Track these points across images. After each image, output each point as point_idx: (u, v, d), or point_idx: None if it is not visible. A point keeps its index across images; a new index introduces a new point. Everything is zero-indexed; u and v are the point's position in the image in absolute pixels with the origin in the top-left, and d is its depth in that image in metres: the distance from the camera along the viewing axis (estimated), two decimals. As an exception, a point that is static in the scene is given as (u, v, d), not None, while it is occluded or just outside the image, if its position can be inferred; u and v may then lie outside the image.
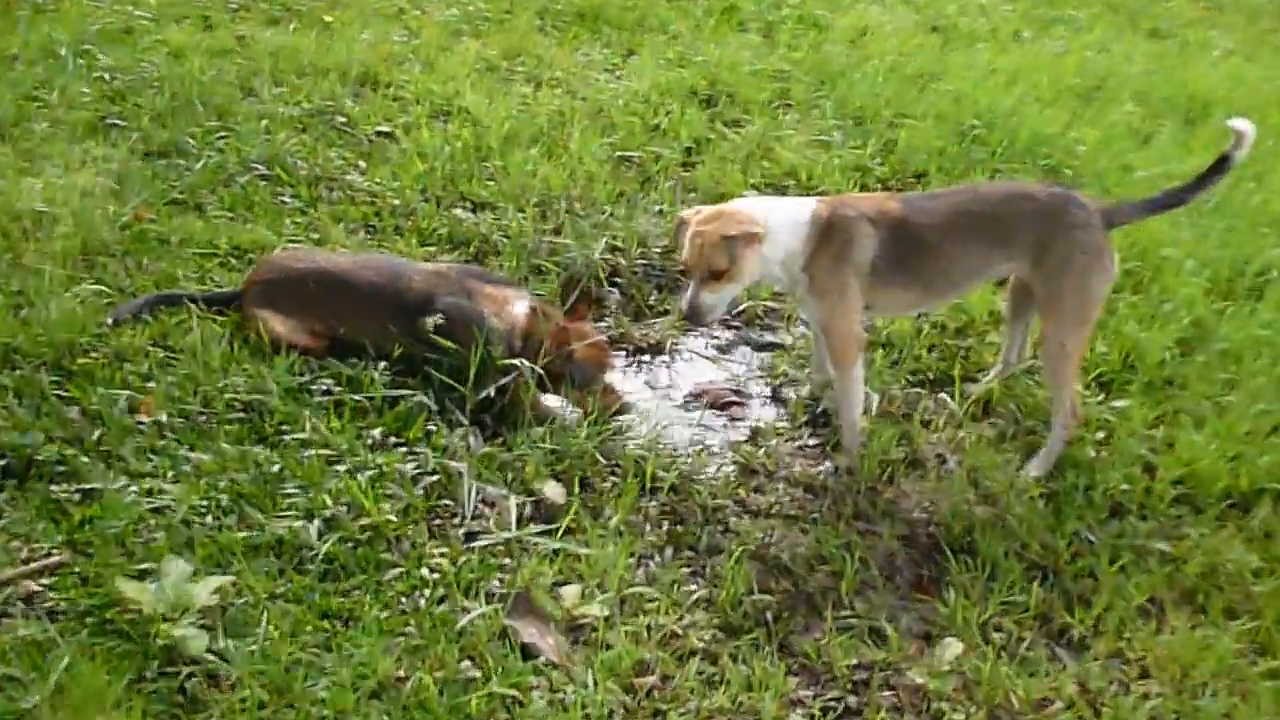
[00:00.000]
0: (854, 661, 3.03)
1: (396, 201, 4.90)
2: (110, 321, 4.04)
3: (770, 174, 5.20)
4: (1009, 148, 5.35)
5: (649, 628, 3.08)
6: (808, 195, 4.65)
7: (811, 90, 5.90)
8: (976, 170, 5.19)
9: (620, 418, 3.84)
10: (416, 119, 5.49)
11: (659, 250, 4.63)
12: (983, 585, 3.25)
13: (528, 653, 2.95)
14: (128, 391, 3.71)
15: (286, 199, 4.94)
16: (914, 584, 3.36)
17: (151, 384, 3.73)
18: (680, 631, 3.08)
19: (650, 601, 3.16)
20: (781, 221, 3.50)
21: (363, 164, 5.21)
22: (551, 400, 3.86)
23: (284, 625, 2.98)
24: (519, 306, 3.86)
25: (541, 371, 3.68)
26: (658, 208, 4.92)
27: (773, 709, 2.84)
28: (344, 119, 5.58)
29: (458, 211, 4.85)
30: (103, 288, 4.26)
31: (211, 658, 2.85)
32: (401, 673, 2.87)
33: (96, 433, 3.55)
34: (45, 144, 5.22)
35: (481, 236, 4.68)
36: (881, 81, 5.96)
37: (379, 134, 5.49)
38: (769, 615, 3.16)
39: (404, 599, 3.10)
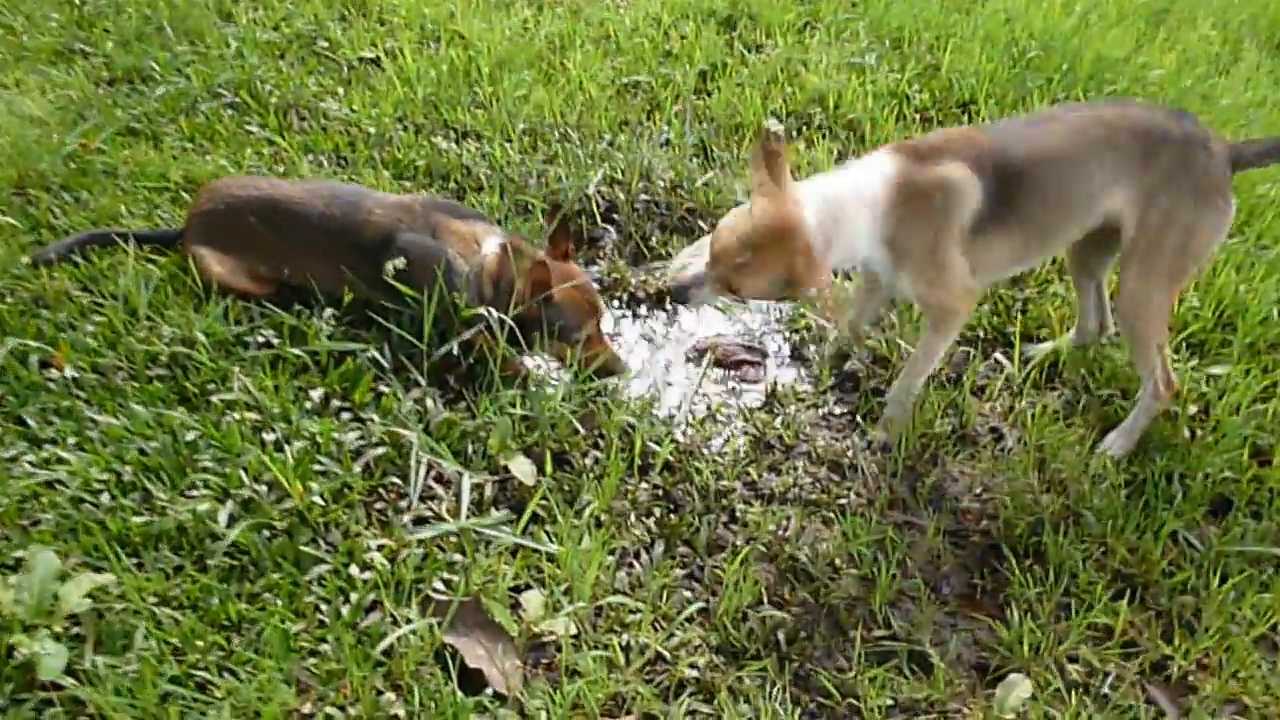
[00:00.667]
0: (889, 701, 2.25)
1: (372, 129, 4.08)
2: (31, 262, 3.30)
3: (795, 100, 4.31)
4: (1069, 73, 4.43)
5: (628, 648, 2.31)
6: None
7: (842, 11, 4.98)
8: (1033, 99, 4.28)
9: (609, 377, 3.03)
10: (403, 43, 4.65)
11: (664, 184, 3.78)
12: (1054, 602, 2.44)
13: (470, 682, 2.19)
14: (38, 343, 2.97)
15: (253, 128, 4.14)
16: (965, 597, 2.56)
17: (71, 335, 2.99)
18: (668, 655, 2.31)
19: (631, 614, 2.39)
20: (843, 211, 2.59)
21: (341, 91, 4.39)
22: (528, 360, 3.07)
23: (171, 638, 2.23)
24: (489, 244, 3.06)
25: (512, 323, 2.88)
26: (665, 136, 4.05)
27: (782, 768, 2.07)
28: (326, 43, 4.75)
29: (439, 140, 4.02)
30: (30, 225, 3.51)
31: (72, 683, 2.11)
32: (307, 707, 2.12)
33: (-3, 391, 2.82)
34: (3, 70, 4.46)
35: (463, 168, 3.86)
36: (921, 1, 5.03)
37: (362, 60, 4.66)
38: (780, 635, 2.38)
39: (324, 605, 2.34)
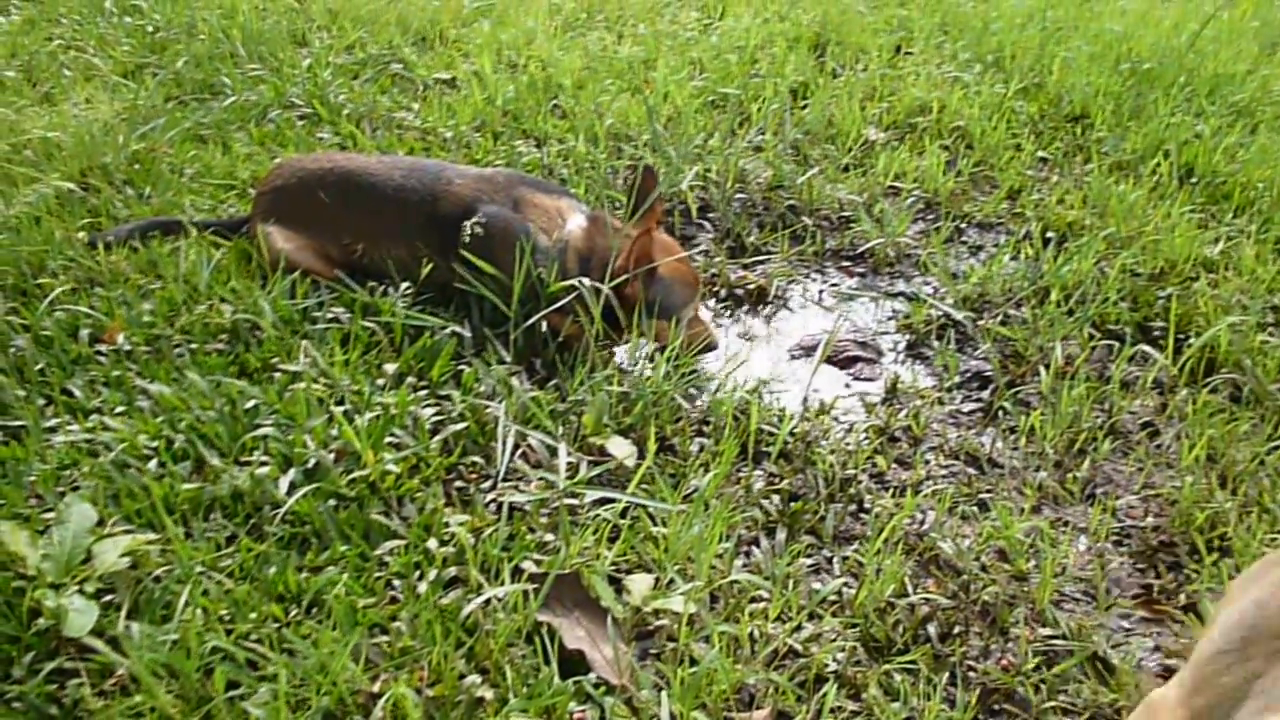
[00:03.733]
0: (1063, 700, 1.85)
1: (449, 134, 3.89)
2: (89, 242, 3.09)
3: (894, 111, 4.06)
4: (1187, 86, 4.16)
5: (753, 638, 1.94)
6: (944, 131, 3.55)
7: (935, 37, 4.78)
8: (1154, 109, 3.99)
9: (708, 357, 2.73)
10: (483, 63, 4.50)
11: (760, 184, 3.52)
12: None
13: (570, 666, 1.83)
14: (91, 316, 2.74)
15: (324, 136, 3.97)
16: (1140, 598, 2.16)
17: (127, 312, 2.76)
18: (800, 648, 1.93)
19: (755, 601, 2.02)
20: None
21: (416, 106, 4.23)
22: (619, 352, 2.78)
23: (219, 608, 1.91)
24: (575, 220, 2.79)
25: (611, 294, 2.59)
26: (758, 141, 3.81)
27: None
28: (400, 64, 4.61)
29: (518, 144, 3.81)
30: (89, 210, 3.33)
31: (102, 645, 1.79)
32: (375, 687, 1.77)
33: (42, 362, 2.57)
34: (72, 88, 4.37)
35: (544, 168, 3.64)
36: (1020, 26, 4.82)
37: (438, 81, 4.51)
38: (931, 629, 2.00)
39: (397, 580, 2.01)
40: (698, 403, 2.61)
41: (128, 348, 2.65)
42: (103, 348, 2.67)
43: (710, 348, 2.78)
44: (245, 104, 4.14)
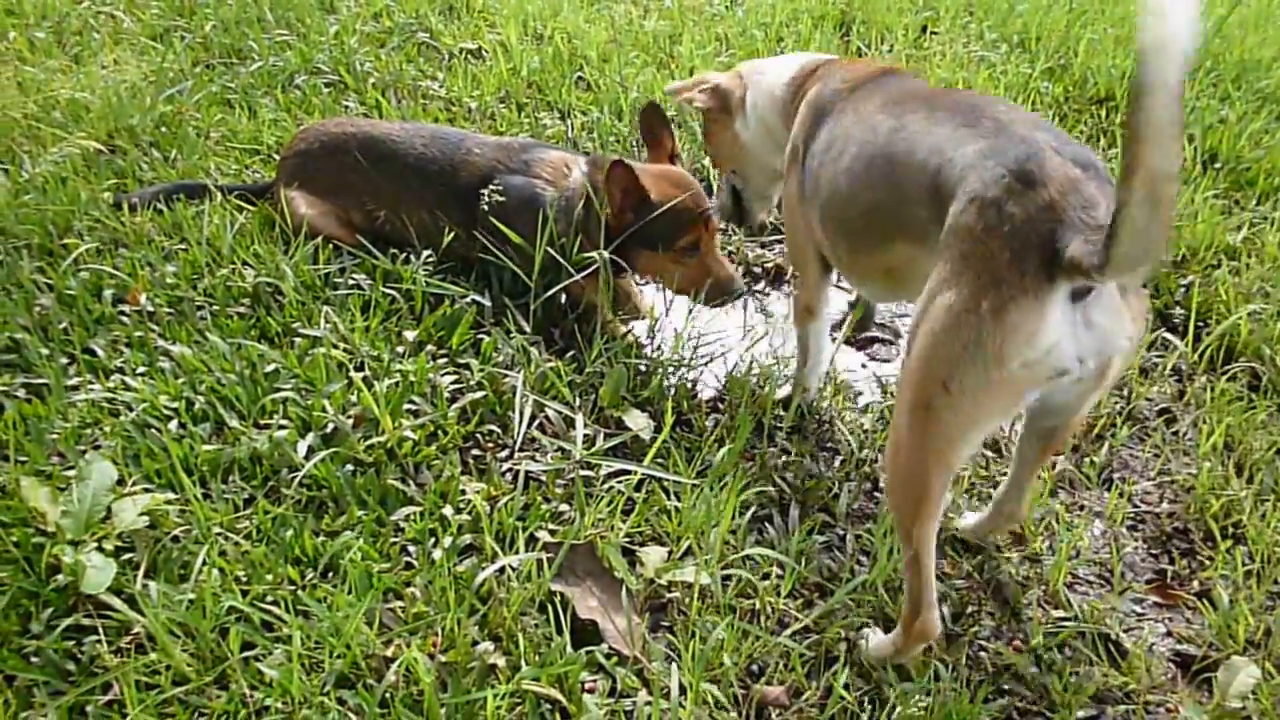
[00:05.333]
0: (1076, 683, 1.81)
1: (474, 105, 3.84)
2: (114, 203, 3.07)
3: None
4: (1213, 72, 4.07)
5: (763, 615, 1.91)
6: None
7: (961, 17, 4.68)
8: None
9: (724, 300, 2.67)
10: (509, 33, 4.44)
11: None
12: (1265, 589, 2.01)
13: (583, 635, 1.81)
14: (115, 276, 2.71)
15: (350, 104, 3.92)
16: (1154, 583, 2.12)
17: (151, 274, 2.73)
18: (814, 625, 1.90)
19: (766, 578, 1.99)
20: None
21: (441, 76, 4.17)
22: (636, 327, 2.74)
23: (236, 569, 1.89)
24: (579, 170, 2.74)
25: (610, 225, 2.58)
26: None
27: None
28: (426, 34, 4.55)
29: (542, 115, 3.76)
30: (115, 172, 3.30)
31: (119, 603, 1.77)
32: (389, 651, 1.75)
33: (65, 321, 2.55)
34: (101, 50, 4.33)
35: (570, 141, 3.58)
36: (1046, 7, 4.71)
37: (463, 50, 4.44)
38: (945, 609, 1.97)
39: (412, 546, 1.99)
40: (713, 377, 2.57)
41: (150, 309, 2.63)
42: (126, 308, 2.65)
43: (727, 290, 2.64)
44: (272, 69, 4.09)
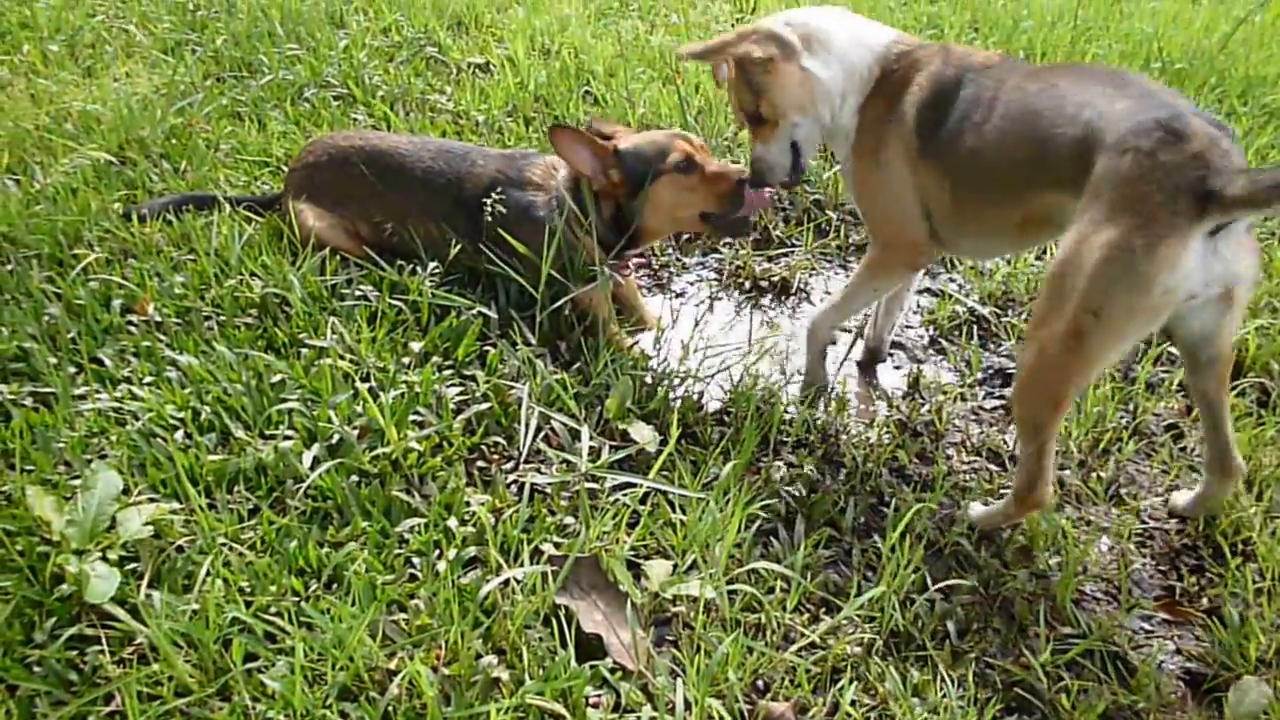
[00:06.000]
0: (1084, 701, 1.78)
1: (482, 118, 3.83)
2: (124, 213, 3.06)
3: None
4: (1219, 88, 4.05)
5: (769, 630, 1.89)
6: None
7: (965, 34, 4.68)
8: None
9: (742, 233, 2.84)
10: (516, 49, 4.44)
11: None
12: (1277, 608, 1.98)
13: (587, 649, 1.79)
14: (124, 286, 2.70)
15: (359, 116, 3.92)
16: (1162, 599, 2.10)
17: (159, 284, 2.73)
18: (820, 640, 1.88)
19: (771, 593, 1.97)
20: None
21: (449, 89, 4.17)
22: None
23: (240, 580, 1.87)
24: (564, 169, 2.78)
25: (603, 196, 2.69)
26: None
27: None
28: (435, 48, 4.55)
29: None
30: (125, 183, 3.30)
31: (122, 613, 1.76)
32: (392, 664, 1.72)
33: (74, 331, 2.54)
34: (113, 62, 4.34)
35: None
36: (1050, 24, 4.70)
37: (471, 65, 4.45)
38: (950, 625, 1.94)
39: (416, 558, 1.96)
40: (719, 390, 2.56)
41: (158, 319, 2.62)
42: (134, 318, 2.64)
43: (742, 189, 2.63)
44: (282, 82, 4.10)
